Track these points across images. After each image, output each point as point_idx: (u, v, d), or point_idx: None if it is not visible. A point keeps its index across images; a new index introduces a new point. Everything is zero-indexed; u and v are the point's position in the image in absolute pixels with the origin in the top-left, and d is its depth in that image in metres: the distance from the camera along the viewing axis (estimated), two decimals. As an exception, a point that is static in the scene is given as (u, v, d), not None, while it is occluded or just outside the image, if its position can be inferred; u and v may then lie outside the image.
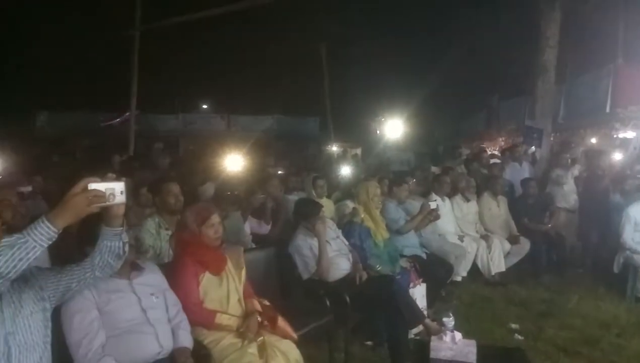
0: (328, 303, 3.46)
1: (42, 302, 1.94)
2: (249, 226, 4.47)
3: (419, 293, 4.11)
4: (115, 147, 10.28)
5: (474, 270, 5.48)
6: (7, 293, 1.79)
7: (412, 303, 3.67)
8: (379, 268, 4.02)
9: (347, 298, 3.49)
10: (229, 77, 19.92)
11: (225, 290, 2.81)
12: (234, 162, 5.78)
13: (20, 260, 1.56)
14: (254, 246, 4.20)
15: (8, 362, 1.76)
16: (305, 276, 3.73)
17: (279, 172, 6.59)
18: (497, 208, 6.08)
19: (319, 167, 7.98)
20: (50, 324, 1.97)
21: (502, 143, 13.47)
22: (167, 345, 2.29)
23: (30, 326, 1.85)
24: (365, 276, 3.80)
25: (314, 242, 3.73)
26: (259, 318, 2.78)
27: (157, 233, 3.28)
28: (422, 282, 4.22)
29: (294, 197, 5.14)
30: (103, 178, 1.72)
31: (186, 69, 19.18)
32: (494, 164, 7.45)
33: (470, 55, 15.59)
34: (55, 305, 2.01)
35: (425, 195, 5.64)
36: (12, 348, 1.78)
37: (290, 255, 3.81)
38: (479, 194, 6.18)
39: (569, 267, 5.91)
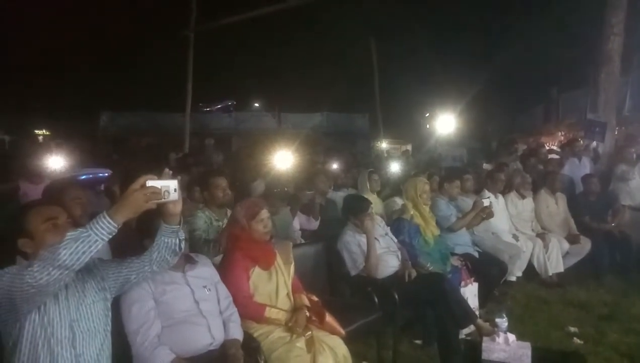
0: (376, 300, 3.45)
1: (103, 292, 2.06)
2: (298, 222, 4.52)
3: (470, 292, 4.00)
4: (171, 145, 10.72)
5: (530, 270, 5.26)
6: (72, 283, 1.91)
7: (463, 302, 3.58)
8: (429, 266, 3.96)
9: (396, 296, 3.46)
10: (280, 75, 20.18)
11: (275, 285, 2.86)
12: (283, 159, 5.85)
13: (84, 253, 1.65)
14: (302, 242, 4.25)
15: (73, 347, 1.88)
16: (353, 273, 3.73)
17: (334, 166, 6.62)
18: (555, 206, 5.81)
19: (369, 164, 7.92)
20: (110, 313, 2.09)
21: (562, 138, 12.85)
22: (219, 337, 2.37)
23: (92, 314, 1.97)
24: (414, 274, 3.75)
25: (363, 239, 3.72)
26: (307, 313, 2.82)
27: (208, 226, 3.39)
28: (474, 281, 4.10)
29: (342, 194, 5.15)
30: (160, 175, 1.80)
31: (239, 69, 19.61)
32: (552, 159, 7.11)
33: (527, 45, 14.91)
34: (115, 295, 2.13)
35: (477, 192, 5.48)
36: (77, 335, 1.90)
37: (338, 251, 3.82)
38: (535, 191, 5.93)
39: (635, 269, 5.55)
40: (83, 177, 4.24)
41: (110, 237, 1.70)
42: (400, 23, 16.90)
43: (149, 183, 1.72)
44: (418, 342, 3.76)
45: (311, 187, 4.81)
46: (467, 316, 3.47)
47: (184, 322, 2.30)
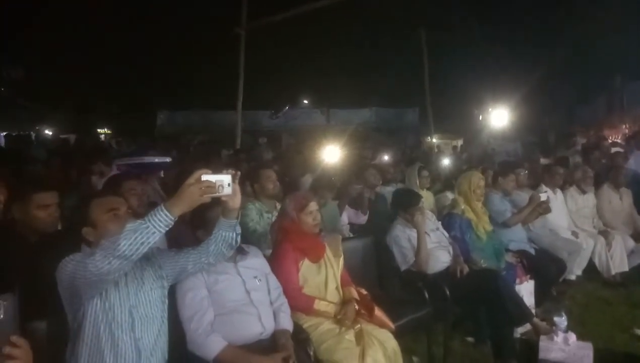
0: (427, 295, 3.39)
1: (160, 280, 2.14)
2: (347, 216, 4.52)
3: (526, 290, 3.85)
4: (224, 142, 11.00)
5: (591, 269, 5.00)
6: (131, 271, 2.00)
7: (518, 300, 3.45)
8: (482, 263, 3.84)
9: (447, 292, 3.39)
10: (329, 71, 20.19)
11: (324, 277, 2.87)
12: (332, 155, 5.87)
13: (142, 244, 1.72)
14: (351, 235, 4.24)
15: (132, 332, 1.98)
16: (403, 267, 3.69)
17: (385, 157, 6.58)
18: (620, 202, 5.48)
19: (418, 159, 7.79)
20: (167, 300, 2.18)
21: (626, 130, 12.07)
22: (269, 327, 2.41)
23: (150, 301, 2.06)
24: (466, 269, 3.65)
25: (413, 233, 3.67)
26: (356, 307, 2.82)
27: (259, 218, 3.47)
28: (530, 279, 3.95)
29: (391, 189, 5.10)
30: (215, 171, 1.84)
31: (288, 66, 19.80)
32: (617, 152, 6.70)
33: (587, 30, 14.04)
34: (171, 283, 2.22)
35: (534, 187, 5.25)
36: (136, 320, 1.99)
37: (387, 245, 3.79)
38: (597, 186, 5.61)
39: None
40: (146, 160, 4.49)
41: (167, 228, 1.75)
42: (452, 13, 16.44)
43: (204, 177, 1.76)
44: (470, 339, 3.67)
45: (360, 181, 4.79)
46: (522, 314, 3.35)
47: (235, 311, 2.35)
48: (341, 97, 20.88)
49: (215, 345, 2.18)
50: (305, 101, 24.55)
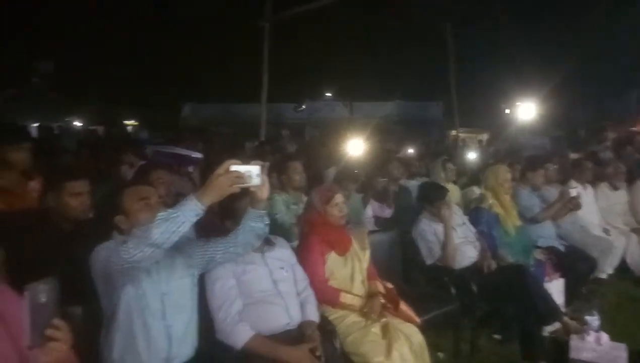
0: (453, 291, 3.36)
1: (190, 269, 2.18)
2: (371, 209, 4.50)
3: (555, 288, 3.77)
4: (247, 134, 11.08)
5: (623, 267, 4.86)
6: (162, 259, 2.03)
7: (548, 297, 3.38)
8: (509, 258, 3.78)
9: (474, 287, 3.35)
10: (352, 64, 20.11)
11: (350, 270, 2.87)
12: (355, 147, 5.84)
13: (173, 232, 1.74)
14: (376, 229, 4.22)
15: (163, 319, 2.02)
16: (429, 261, 3.65)
17: (410, 150, 6.52)
18: (654, 199, 5.30)
19: (443, 153, 7.69)
20: (196, 289, 2.21)
21: (661, 125, 11.65)
22: (296, 317, 2.42)
23: (180, 289, 2.10)
24: (494, 265, 3.60)
25: (439, 228, 3.63)
26: (382, 300, 2.80)
27: (286, 209, 3.48)
28: (560, 276, 3.87)
29: (415, 182, 5.06)
30: (243, 161, 1.85)
31: (311, 58, 19.78)
32: (651, 148, 6.48)
33: (619, 21, 13.56)
34: (200, 272, 2.25)
35: (563, 182, 5.12)
36: (167, 307, 2.03)
37: (413, 239, 3.76)
38: (630, 182, 5.44)
39: None
40: (184, 152, 4.57)
41: (197, 218, 1.77)
42: (478, 4, 16.13)
43: (233, 168, 1.77)
44: (497, 336, 3.61)
45: (384, 174, 4.75)
46: (551, 312, 3.29)
47: (262, 301, 2.37)
48: (365, 90, 20.77)
49: (243, 334, 2.20)
50: (329, 94, 24.47)
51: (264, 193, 1.93)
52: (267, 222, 2.10)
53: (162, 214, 1.76)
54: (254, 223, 2.06)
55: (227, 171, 1.76)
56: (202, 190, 1.78)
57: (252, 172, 1.80)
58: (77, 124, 16.39)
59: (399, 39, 18.46)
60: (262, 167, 1.85)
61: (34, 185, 2.83)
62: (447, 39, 12.15)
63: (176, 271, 2.09)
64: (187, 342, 2.09)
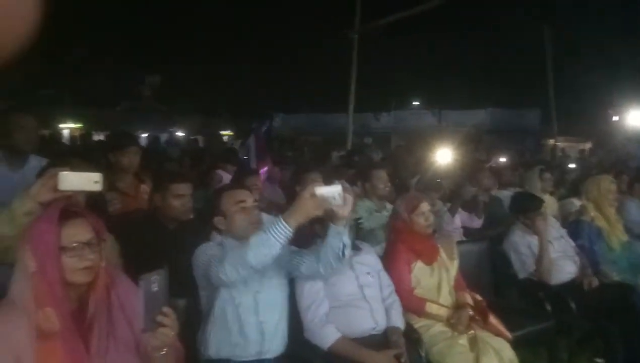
0: (549, 307, 3.17)
1: (280, 270, 2.29)
2: (460, 219, 4.38)
3: (667, 311, 3.40)
4: (334, 144, 11.30)
5: None
6: None
7: (659, 321, 3.07)
8: (614, 276, 3.48)
9: (573, 305, 3.13)
10: (441, 71, 19.68)
11: (437, 280, 2.82)
12: (443, 156, 5.73)
13: (265, 255, 1.88)
14: (464, 239, 4.11)
15: (256, 316, 2.14)
16: (521, 275, 3.48)
17: (502, 160, 6.28)
18: None
19: (539, 163, 7.28)
20: (287, 288, 2.32)
21: None
22: (381, 323, 2.43)
23: (271, 287, 2.21)
24: (595, 282, 3.34)
25: (533, 240, 3.44)
26: (471, 312, 2.73)
27: (369, 216, 3.52)
28: (675, 299, 3.48)
29: (508, 193, 4.84)
30: (325, 174, 1.95)
31: (398, 67, 19.68)
32: None
33: None
34: (288, 277, 2.35)
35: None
36: (260, 305, 2.15)
37: (505, 251, 3.60)
38: None
39: None
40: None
41: (287, 239, 1.88)
42: (580, 6, 15.04)
43: (317, 191, 1.87)
44: (600, 360, 3.33)
45: (474, 183, 4.61)
46: (664, 337, 2.97)
47: (348, 305, 2.41)
48: (454, 97, 20.22)
49: (330, 335, 2.26)
50: (416, 102, 24.14)
51: (345, 211, 1.99)
52: (347, 243, 2.11)
53: (254, 237, 1.90)
54: (333, 239, 2.08)
55: (312, 195, 1.86)
56: (289, 212, 1.89)
57: (335, 193, 1.89)
58: (180, 134, 17.79)
59: (492, 43, 17.72)
60: (344, 187, 1.94)
61: (145, 188, 3.15)
62: (547, 42, 11.49)
63: (268, 271, 2.22)
64: (278, 338, 2.19)
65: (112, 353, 1.55)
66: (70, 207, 1.57)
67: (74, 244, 1.49)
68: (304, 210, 1.86)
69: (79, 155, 2.74)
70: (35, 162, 2.65)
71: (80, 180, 1.65)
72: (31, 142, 2.70)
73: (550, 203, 4.53)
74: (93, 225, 1.56)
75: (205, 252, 2.14)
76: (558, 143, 13.71)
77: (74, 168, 1.71)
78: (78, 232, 1.51)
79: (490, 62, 18.74)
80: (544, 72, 11.99)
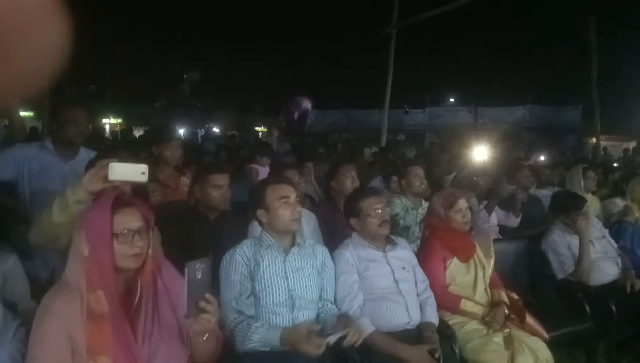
0: (587, 309, 3.09)
1: (317, 269, 2.33)
2: (496, 217, 4.31)
3: None
4: (368, 140, 11.26)
5: None
6: (292, 260, 2.25)
7: None
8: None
9: (613, 308, 3.04)
10: (477, 68, 19.31)
11: (473, 278, 2.80)
12: (479, 154, 5.63)
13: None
14: (500, 238, 4.04)
15: (291, 312, 2.17)
16: (560, 276, 3.40)
17: (541, 158, 6.15)
18: None
19: (580, 161, 7.05)
20: (319, 283, 2.35)
21: None
22: (415, 317, 2.44)
23: (306, 286, 2.24)
24: (638, 285, 3.23)
25: (573, 240, 3.36)
26: (506, 310, 2.70)
27: (404, 213, 3.51)
28: None
29: (547, 192, 4.73)
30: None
31: (434, 63, 19.43)
32: None
33: None
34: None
35: None
36: (295, 301, 2.19)
37: (543, 251, 3.53)
38: None
39: None
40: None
41: None
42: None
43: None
44: (641, 365, 3.24)
45: (512, 181, 4.52)
46: None
47: (383, 298, 2.43)
48: (491, 94, 19.76)
49: (364, 328, 2.27)
50: (451, 99, 23.74)
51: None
52: None
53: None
54: None
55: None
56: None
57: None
58: (215, 129, 18.18)
59: (531, 37, 17.24)
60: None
61: (185, 180, 3.25)
62: (591, 36, 11.06)
63: (304, 270, 2.25)
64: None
65: (156, 337, 1.63)
66: (123, 196, 1.65)
67: (125, 231, 1.57)
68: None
69: (126, 147, 2.83)
70: (84, 154, 2.78)
71: (129, 171, 1.73)
72: (82, 135, 2.83)
73: (592, 203, 4.40)
74: (143, 214, 1.64)
75: (235, 258, 2.17)
76: (601, 141, 13.20)
77: (122, 160, 1.79)
78: (129, 220, 1.59)
79: (530, 56, 18.24)
80: (587, 67, 11.55)
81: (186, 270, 1.51)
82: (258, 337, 2.00)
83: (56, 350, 1.48)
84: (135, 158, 2.35)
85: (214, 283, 1.88)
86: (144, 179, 1.74)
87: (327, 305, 2.31)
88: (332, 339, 1.96)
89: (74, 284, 1.55)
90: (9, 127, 3.09)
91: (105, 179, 1.69)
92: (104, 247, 1.54)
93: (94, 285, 1.53)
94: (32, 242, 1.93)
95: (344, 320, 2.16)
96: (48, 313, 1.53)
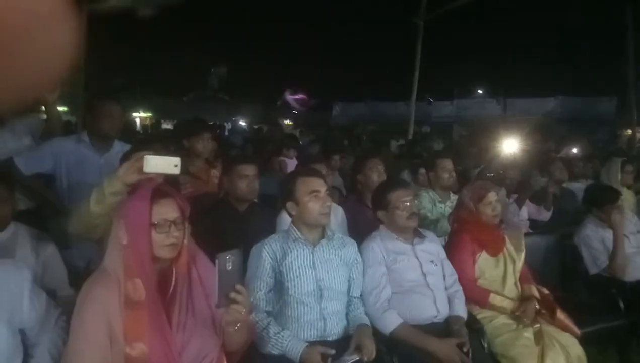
0: (622, 305, 3.02)
1: (345, 261, 2.34)
2: (527, 211, 4.23)
3: None
4: (393, 132, 11.20)
5: None
6: (321, 252, 2.27)
7: None
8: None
9: (650, 304, 2.96)
10: (507, 58, 18.85)
11: (502, 272, 2.77)
12: (508, 146, 5.52)
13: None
14: (531, 232, 3.97)
15: (319, 303, 2.19)
16: (592, 271, 3.33)
17: (573, 151, 6.02)
18: None
19: (615, 153, 6.83)
20: (347, 274, 2.36)
21: None
22: (443, 311, 2.43)
23: (334, 277, 2.26)
24: (676, 281, 3.14)
25: (607, 234, 3.28)
26: (537, 306, 2.66)
27: (432, 206, 3.48)
28: None
29: (579, 185, 4.61)
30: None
31: (462, 54, 19.09)
32: None
33: None
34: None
35: None
36: (324, 292, 2.21)
37: (575, 246, 3.46)
38: None
39: None
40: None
41: None
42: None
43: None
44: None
45: (544, 174, 4.42)
46: None
47: (411, 291, 2.43)
48: (520, 85, 19.26)
49: (392, 320, 2.29)
50: (480, 91, 23.28)
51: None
52: None
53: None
54: None
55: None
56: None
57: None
58: (242, 123, 18.38)
59: (563, 26, 16.71)
60: None
61: (215, 173, 3.30)
62: (628, 23, 10.66)
63: (331, 261, 2.27)
64: (340, 324, 2.24)
65: (190, 326, 1.67)
66: (161, 187, 1.70)
67: (163, 221, 1.62)
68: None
69: (159, 140, 2.90)
70: (119, 146, 2.86)
71: (163, 164, 1.78)
72: (116, 128, 2.91)
73: (627, 197, 4.27)
74: (180, 205, 1.68)
75: (263, 251, 2.20)
76: (638, 133, 12.75)
77: (155, 153, 1.83)
78: (167, 211, 1.64)
79: (562, 45, 17.70)
80: (621, 57, 11.16)
81: (217, 261, 1.55)
82: (281, 347, 2.05)
83: (96, 334, 1.54)
84: (165, 151, 2.41)
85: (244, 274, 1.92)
86: (176, 171, 1.79)
87: (353, 301, 2.33)
88: None
89: (113, 272, 1.61)
90: (48, 121, 3.18)
91: (140, 171, 1.74)
92: (142, 236, 1.59)
93: (132, 273, 1.58)
94: (69, 233, 2.00)
95: (359, 336, 2.14)
96: (89, 298, 1.59)
